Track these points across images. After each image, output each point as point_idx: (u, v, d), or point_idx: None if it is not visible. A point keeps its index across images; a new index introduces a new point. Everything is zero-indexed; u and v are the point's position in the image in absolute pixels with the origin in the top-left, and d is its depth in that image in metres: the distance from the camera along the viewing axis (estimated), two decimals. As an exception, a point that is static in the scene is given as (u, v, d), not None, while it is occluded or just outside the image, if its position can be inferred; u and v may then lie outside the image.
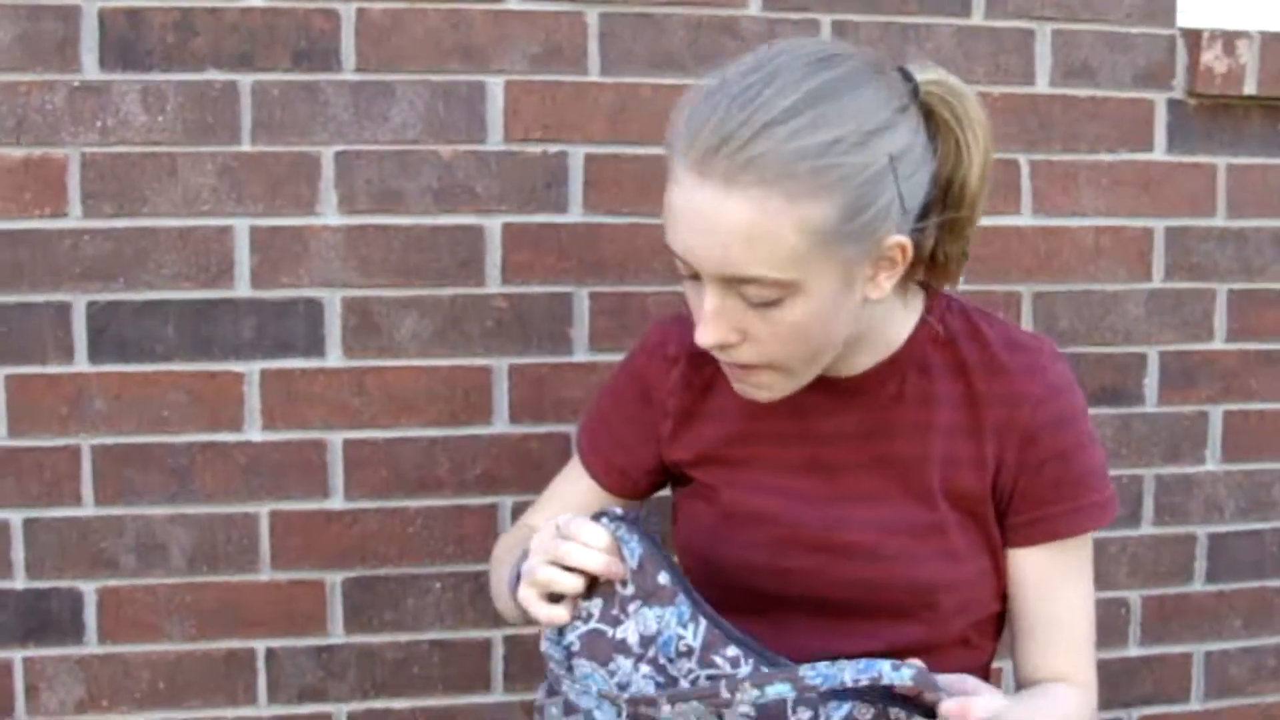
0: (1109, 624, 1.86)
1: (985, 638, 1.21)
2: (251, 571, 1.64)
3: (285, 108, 1.59)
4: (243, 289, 1.60)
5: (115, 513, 1.61)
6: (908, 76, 1.06)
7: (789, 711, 0.95)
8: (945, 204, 1.10)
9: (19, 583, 1.60)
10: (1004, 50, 1.74)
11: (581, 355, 1.67)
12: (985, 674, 1.22)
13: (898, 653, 1.10)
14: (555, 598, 1.02)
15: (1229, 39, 1.76)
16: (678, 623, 1.01)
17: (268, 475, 1.63)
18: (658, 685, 1.00)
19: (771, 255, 0.98)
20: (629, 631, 1.01)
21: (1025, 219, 1.78)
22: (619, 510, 1.04)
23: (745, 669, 0.99)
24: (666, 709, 0.95)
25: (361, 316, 1.62)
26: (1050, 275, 1.79)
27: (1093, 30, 1.76)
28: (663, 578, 1.01)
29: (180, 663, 1.64)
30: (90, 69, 1.54)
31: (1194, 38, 1.77)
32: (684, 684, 0.99)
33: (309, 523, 1.65)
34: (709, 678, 0.99)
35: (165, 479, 1.61)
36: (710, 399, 1.22)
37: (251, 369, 1.61)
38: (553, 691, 1.06)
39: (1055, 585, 1.17)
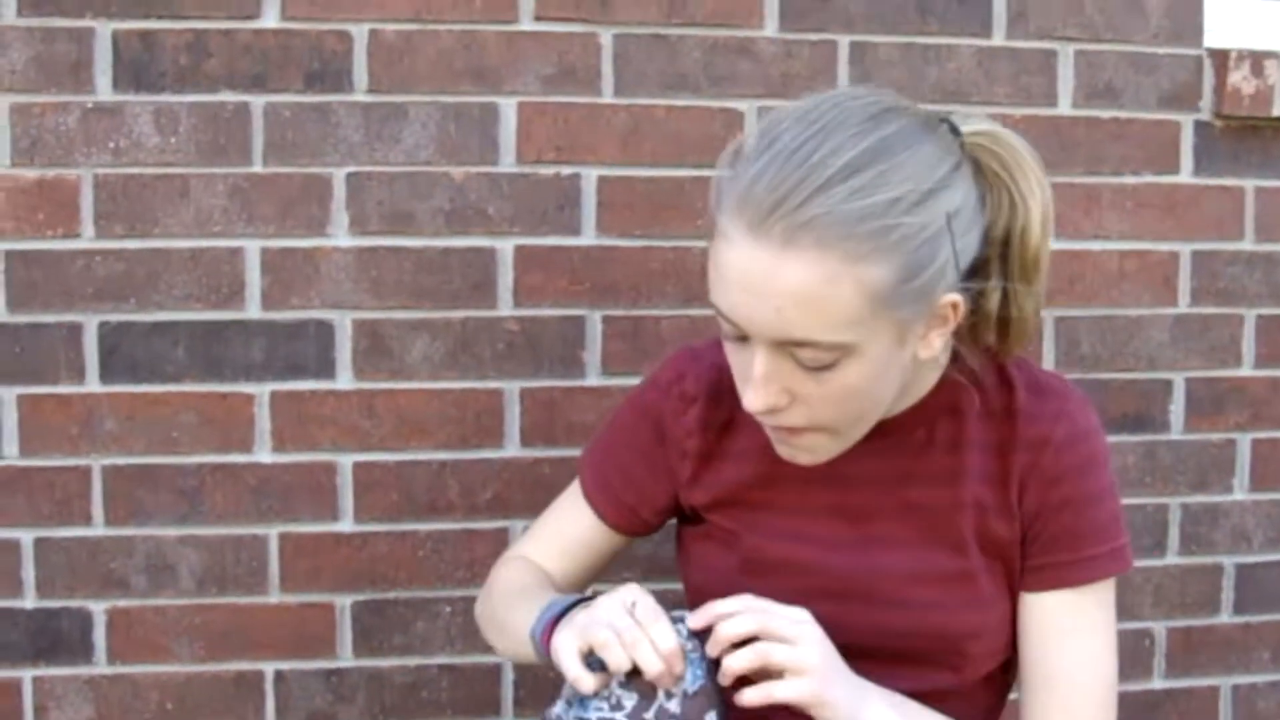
0: (1133, 656, 1.82)
1: (1009, 673, 1.19)
2: (261, 593, 1.63)
3: (297, 129, 1.58)
4: (253, 310, 1.60)
5: (125, 533, 1.61)
6: (954, 129, 1.03)
7: None
8: (1007, 259, 1.05)
9: (29, 602, 1.60)
10: (1026, 71, 1.72)
11: (594, 379, 1.66)
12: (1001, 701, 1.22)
13: (923, 696, 1.09)
14: (590, 664, 0.98)
15: (1257, 59, 1.73)
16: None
17: (277, 497, 1.62)
18: None
19: (828, 318, 0.95)
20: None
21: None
22: (691, 623, 1.01)
23: None
24: None
25: (372, 338, 1.62)
26: (1073, 300, 1.76)
27: (1117, 51, 1.73)
28: (710, 717, 0.99)
29: (189, 684, 1.63)
30: (104, 90, 1.55)
31: (1221, 58, 1.73)
32: None
33: (319, 545, 1.64)
34: None
35: (175, 500, 1.61)
36: (730, 439, 1.18)
37: (262, 390, 1.61)
38: None
39: (1062, 635, 1.14)
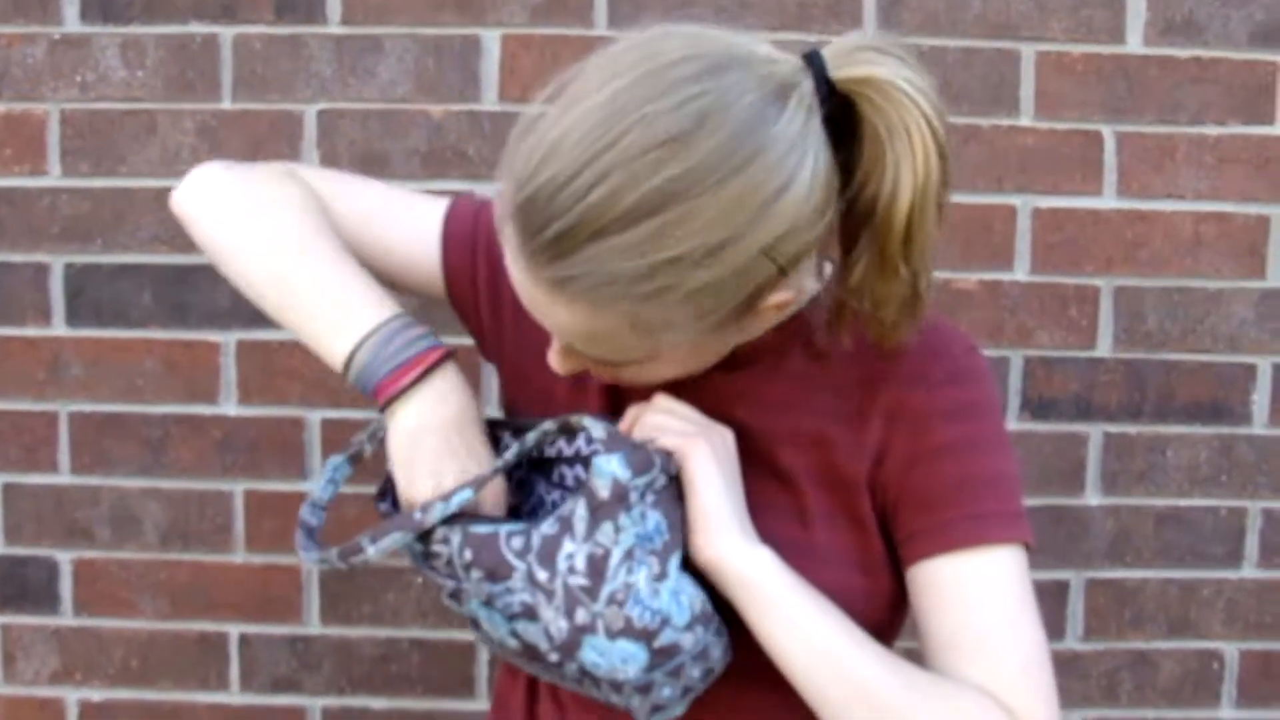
0: (1199, 680, 1.59)
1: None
2: (225, 552, 1.56)
3: (268, 63, 1.49)
4: (220, 255, 1.52)
5: (91, 482, 1.55)
6: (821, 77, 0.82)
7: (502, 545, 0.87)
8: (875, 231, 0.85)
9: (-2, 548, 1.58)
10: (1087, 4, 1.49)
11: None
12: None
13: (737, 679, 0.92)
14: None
15: (1372, -12, 1.46)
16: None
17: (243, 452, 1.54)
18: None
19: (612, 345, 0.83)
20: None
21: (1108, 200, 1.52)
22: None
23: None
24: (370, 549, 0.89)
25: (343, 288, 1.52)
26: (1137, 268, 1.53)
27: (1200, -22, 1.49)
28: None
29: (153, 641, 1.58)
30: (71, 20, 1.49)
31: (1328, -13, 1.47)
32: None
33: (285, 504, 1.56)
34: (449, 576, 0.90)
35: (140, 450, 1.55)
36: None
37: (228, 339, 1.53)
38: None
39: (961, 605, 0.91)
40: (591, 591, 0.85)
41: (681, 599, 0.85)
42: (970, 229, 1.51)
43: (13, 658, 1.59)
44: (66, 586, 1.57)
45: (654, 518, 0.86)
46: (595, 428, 0.90)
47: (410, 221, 1.05)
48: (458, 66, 1.49)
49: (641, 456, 0.85)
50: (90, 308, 1.53)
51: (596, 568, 0.85)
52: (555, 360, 0.90)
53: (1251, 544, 1.57)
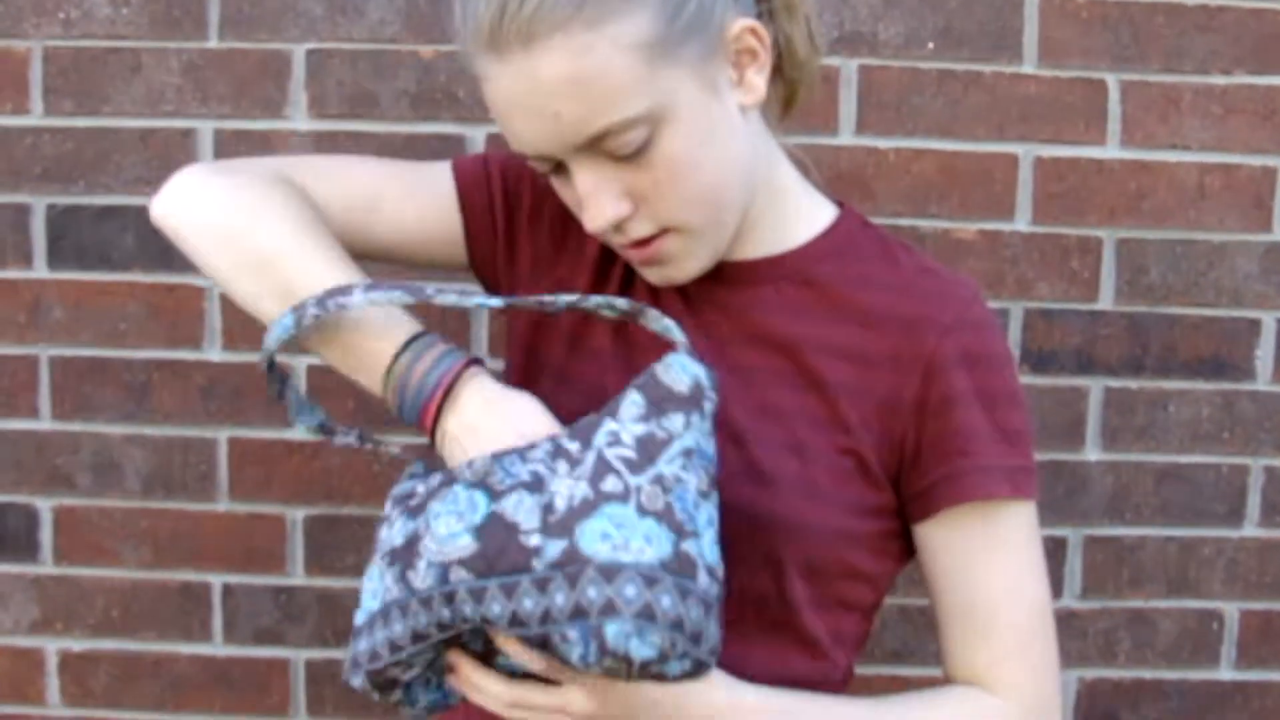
0: (1198, 640, 1.56)
1: (840, 644, 0.96)
2: (208, 500, 1.53)
3: (255, 1, 1.46)
4: (205, 197, 1.49)
5: (72, 429, 1.53)
6: None
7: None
8: None
9: (-23, 495, 1.55)
10: (1092, -53, 1.46)
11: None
12: (840, 690, 0.98)
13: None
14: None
15: (1384, -67, 1.43)
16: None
17: (227, 399, 1.52)
18: (402, 514, 0.86)
19: (606, 96, 0.82)
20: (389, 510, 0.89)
21: (1111, 150, 1.49)
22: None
23: None
24: (360, 295, 0.86)
25: (330, 232, 1.49)
26: (1140, 219, 1.50)
27: (1208, -78, 1.46)
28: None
29: (135, 591, 1.55)
30: (54, -45, 1.46)
31: (1339, -68, 1.44)
32: (421, 489, 0.86)
33: (269, 453, 1.53)
34: (443, 472, 0.86)
35: (122, 395, 1.52)
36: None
37: (213, 284, 1.50)
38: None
39: (971, 564, 0.92)
40: (635, 465, 0.79)
41: (712, 533, 0.80)
42: (970, 178, 1.48)
43: (-8, 607, 1.56)
44: (47, 535, 1.54)
45: (712, 445, 0.83)
46: (676, 331, 0.87)
47: (423, 187, 1.04)
48: (449, 6, 1.45)
49: (718, 381, 0.84)
50: (72, 250, 1.50)
51: (649, 449, 0.79)
52: (591, 211, 0.87)
53: (1253, 502, 1.54)
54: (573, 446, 0.81)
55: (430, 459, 0.93)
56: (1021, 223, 1.49)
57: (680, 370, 0.82)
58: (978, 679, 0.93)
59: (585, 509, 0.77)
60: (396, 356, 0.87)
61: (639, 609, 0.75)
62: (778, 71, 0.94)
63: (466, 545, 0.80)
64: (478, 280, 1.09)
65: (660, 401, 0.81)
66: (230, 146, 1.47)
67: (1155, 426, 1.52)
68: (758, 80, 0.89)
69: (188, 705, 1.56)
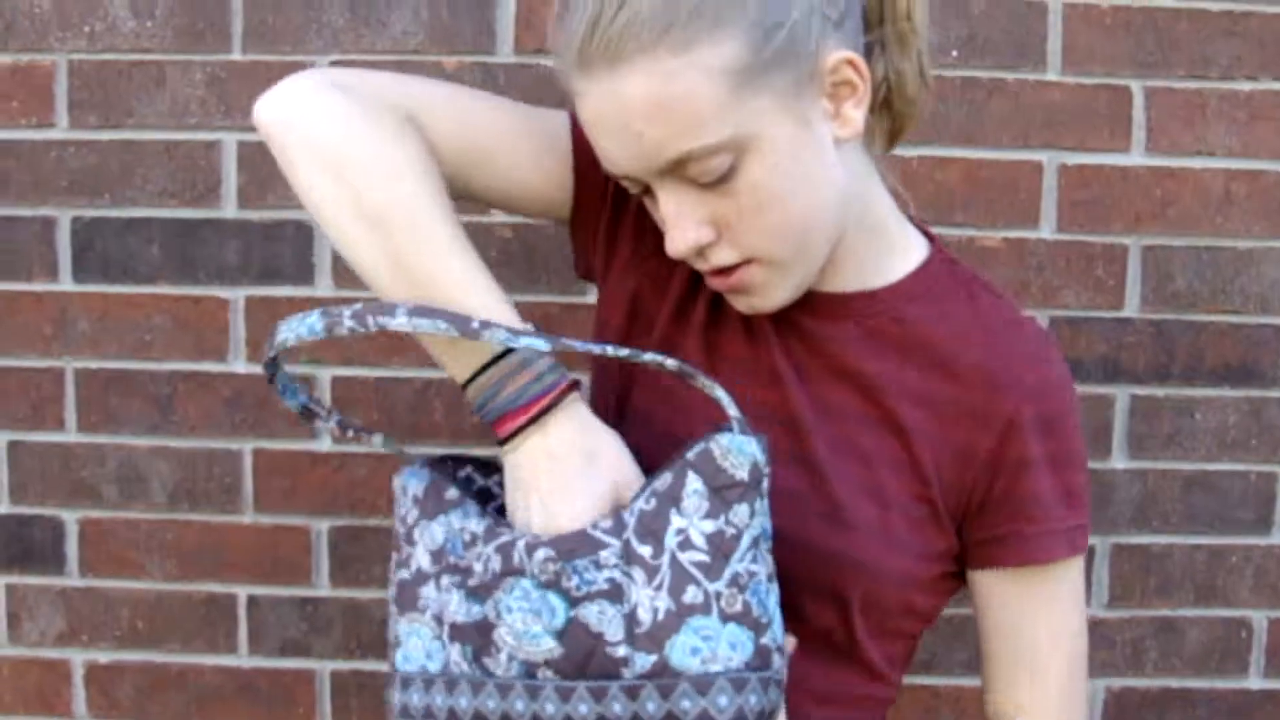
0: (1226, 648, 1.55)
1: (893, 666, 0.99)
2: (234, 512, 1.54)
3: (278, 13, 1.46)
4: (230, 209, 1.49)
5: (98, 441, 1.53)
6: None
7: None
8: (881, 14, 0.92)
9: (3, 507, 1.54)
10: (1116, -47, 1.46)
11: (593, 294, 1.49)
12: (889, 704, 1.02)
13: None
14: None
15: None
16: (461, 518, 0.87)
17: (252, 410, 1.52)
18: (459, 587, 0.85)
19: (689, 120, 0.81)
20: (420, 558, 0.88)
21: (1136, 157, 1.48)
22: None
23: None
24: (403, 318, 0.82)
25: (354, 243, 1.49)
26: (1166, 226, 1.49)
27: (1233, -72, 1.45)
28: (450, 493, 0.89)
29: (160, 602, 1.55)
30: (79, -32, 1.46)
31: (1365, -63, 1.43)
32: (479, 568, 0.85)
33: (294, 464, 1.53)
34: (498, 549, 0.84)
35: (147, 407, 1.52)
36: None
37: (237, 295, 1.50)
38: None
39: (1023, 614, 0.96)
40: (711, 570, 0.79)
41: (777, 606, 0.82)
42: (996, 186, 1.48)
43: (18, 619, 1.56)
44: (72, 547, 1.55)
45: (769, 519, 0.83)
46: (729, 404, 0.84)
47: (537, 149, 1.01)
48: (472, 18, 1.46)
49: (767, 445, 0.83)
50: (97, 262, 1.50)
51: (721, 547, 0.80)
52: (673, 236, 0.86)
53: (1281, 510, 1.53)
54: (645, 551, 0.80)
55: (431, 460, 0.94)
56: (1046, 230, 1.49)
57: (739, 454, 0.81)
58: (1020, 710, 0.97)
59: (671, 623, 0.79)
60: (500, 356, 0.85)
61: (732, 715, 0.78)
62: (885, 105, 0.93)
63: (551, 648, 0.82)
64: (571, 240, 1.07)
65: (721, 490, 0.80)
66: (255, 159, 1.48)
67: (1182, 434, 1.52)
68: (855, 114, 0.87)
69: (213, 717, 1.57)
